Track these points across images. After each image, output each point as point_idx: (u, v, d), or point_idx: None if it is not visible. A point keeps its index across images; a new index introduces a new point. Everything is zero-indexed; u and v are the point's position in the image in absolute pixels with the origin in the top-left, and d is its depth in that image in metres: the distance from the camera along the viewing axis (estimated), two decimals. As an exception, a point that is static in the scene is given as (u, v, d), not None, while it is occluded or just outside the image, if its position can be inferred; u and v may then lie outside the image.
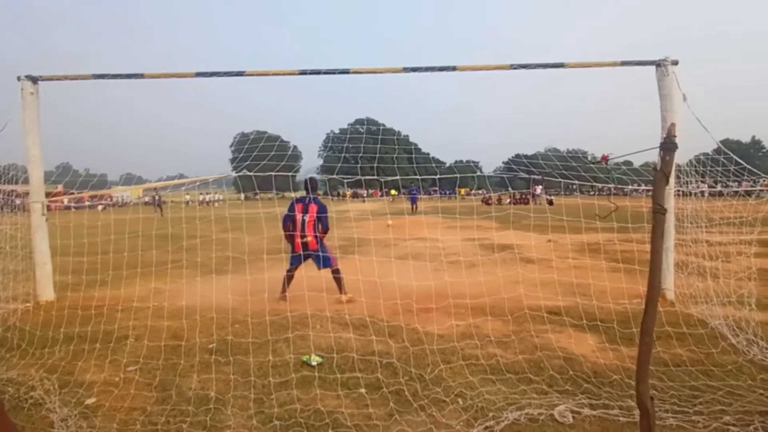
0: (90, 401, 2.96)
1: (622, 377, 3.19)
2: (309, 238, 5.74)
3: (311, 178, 6.32)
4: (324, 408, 2.84)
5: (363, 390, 3.12)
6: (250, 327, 4.27)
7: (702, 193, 5.31)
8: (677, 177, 5.11)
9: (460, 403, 2.93)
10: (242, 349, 3.85)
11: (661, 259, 1.67)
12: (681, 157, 5.56)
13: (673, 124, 1.64)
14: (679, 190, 5.17)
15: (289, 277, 5.84)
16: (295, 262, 5.85)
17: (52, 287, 5.70)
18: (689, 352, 3.61)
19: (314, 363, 3.58)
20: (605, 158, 2.37)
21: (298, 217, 5.77)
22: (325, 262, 5.74)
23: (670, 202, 4.92)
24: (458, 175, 5.22)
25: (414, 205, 25.01)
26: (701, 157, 5.21)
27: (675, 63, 4.81)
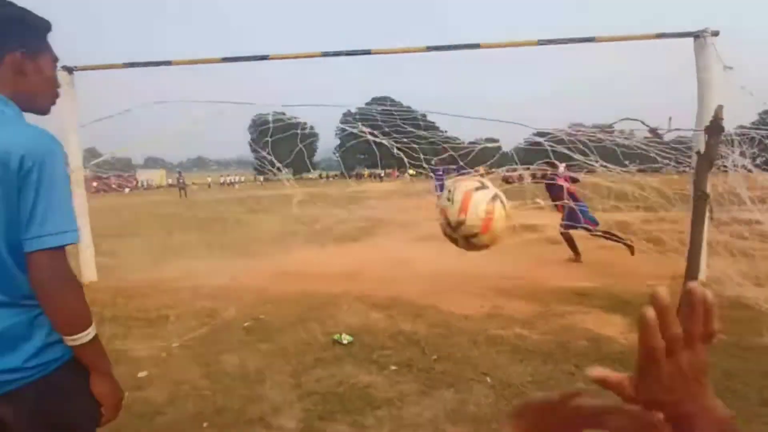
0: (142, 374, 3.17)
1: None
2: None
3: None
4: (358, 384, 2.99)
5: (393, 367, 3.25)
6: (282, 307, 4.45)
7: (743, 167, 5.17)
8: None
9: (488, 381, 3.03)
10: (275, 328, 4.02)
11: (701, 245, 1.68)
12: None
13: (720, 107, 1.63)
14: (718, 166, 5.03)
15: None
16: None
17: (95, 268, 5.98)
18: (723, 334, 3.61)
19: (345, 341, 3.73)
20: (655, 132, 2.33)
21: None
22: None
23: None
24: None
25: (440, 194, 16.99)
26: (740, 129, 5.04)
27: (715, 34, 4.55)
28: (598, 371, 0.47)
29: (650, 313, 0.45)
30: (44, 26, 1.26)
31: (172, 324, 4.20)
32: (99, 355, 1.21)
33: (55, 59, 1.29)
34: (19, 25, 1.18)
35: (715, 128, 1.54)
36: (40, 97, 1.25)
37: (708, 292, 0.47)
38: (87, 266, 5.86)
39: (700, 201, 1.59)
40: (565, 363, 3.26)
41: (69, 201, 1.14)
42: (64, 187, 1.13)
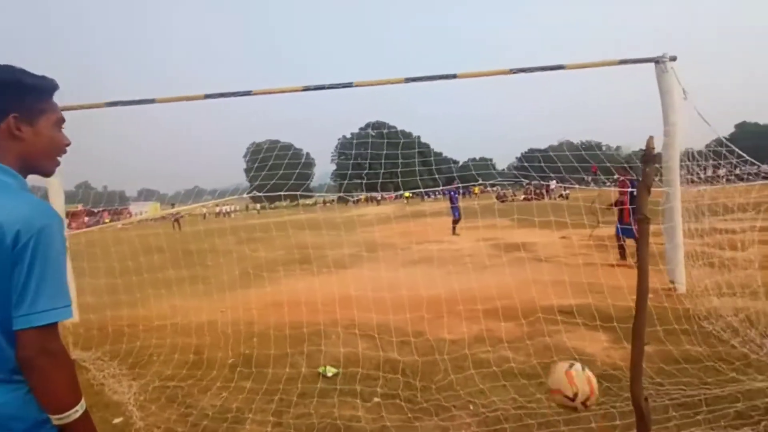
0: (117, 421, 3.12)
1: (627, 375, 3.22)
2: None
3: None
4: (341, 418, 2.95)
5: (378, 399, 3.22)
6: (268, 341, 4.41)
7: (713, 179, 5.27)
8: (686, 167, 5.07)
9: (471, 408, 3.01)
10: (260, 363, 3.97)
11: (648, 265, 1.74)
12: (696, 143, 5.52)
13: (651, 137, 1.71)
14: (690, 179, 5.14)
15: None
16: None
17: (76, 309, 5.90)
18: (698, 347, 3.61)
19: (329, 374, 3.69)
20: (594, 168, 2.43)
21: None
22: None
23: (677, 204, 4.88)
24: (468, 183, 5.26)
25: (456, 218, 14.18)
26: (713, 144, 5.16)
27: (673, 59, 4.80)
28: None
29: None
30: (45, 87, 1.23)
31: (154, 364, 4.15)
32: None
33: (60, 120, 1.26)
34: (13, 90, 1.16)
35: (648, 157, 1.62)
36: (41, 160, 1.23)
37: None
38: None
39: (642, 223, 1.66)
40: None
41: (62, 276, 1.11)
42: (58, 262, 1.10)
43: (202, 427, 2.94)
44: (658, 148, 4.70)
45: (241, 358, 4.15)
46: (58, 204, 5.89)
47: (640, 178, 1.80)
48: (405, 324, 4.78)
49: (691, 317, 4.07)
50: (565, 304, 4.96)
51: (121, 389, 3.60)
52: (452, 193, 14.70)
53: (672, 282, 5.01)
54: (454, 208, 14.28)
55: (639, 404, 1.83)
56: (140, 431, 2.94)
